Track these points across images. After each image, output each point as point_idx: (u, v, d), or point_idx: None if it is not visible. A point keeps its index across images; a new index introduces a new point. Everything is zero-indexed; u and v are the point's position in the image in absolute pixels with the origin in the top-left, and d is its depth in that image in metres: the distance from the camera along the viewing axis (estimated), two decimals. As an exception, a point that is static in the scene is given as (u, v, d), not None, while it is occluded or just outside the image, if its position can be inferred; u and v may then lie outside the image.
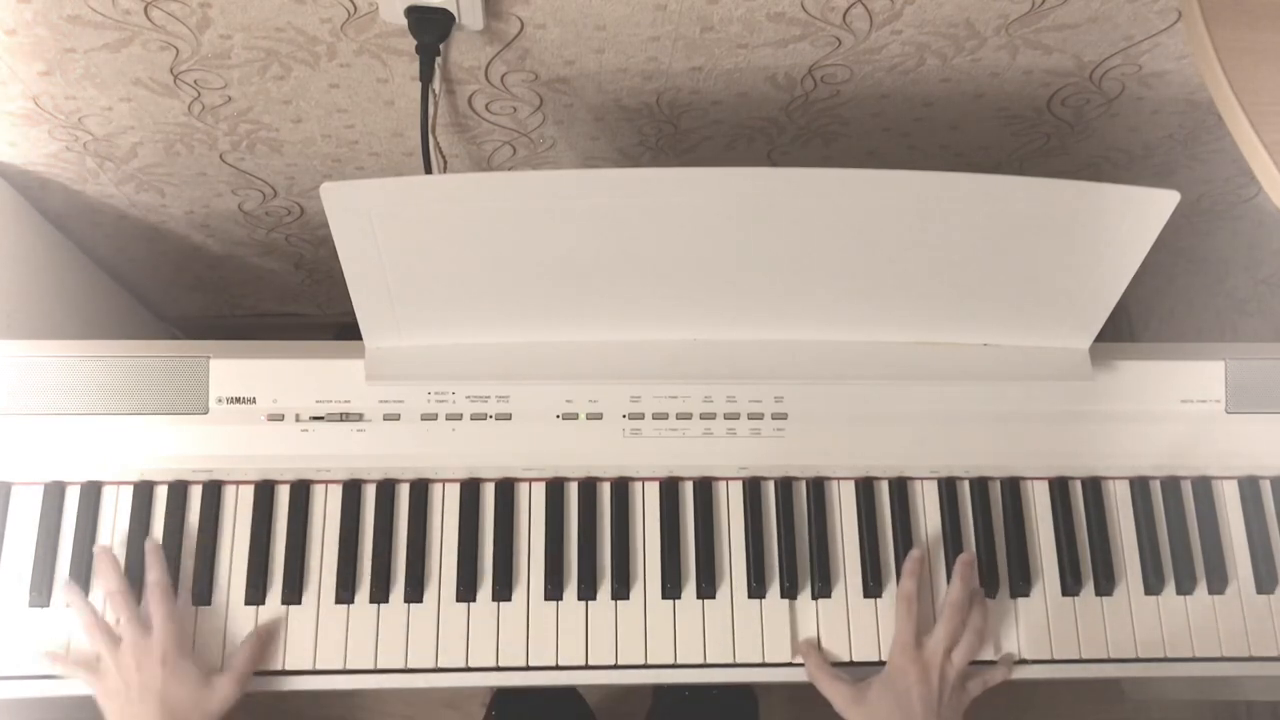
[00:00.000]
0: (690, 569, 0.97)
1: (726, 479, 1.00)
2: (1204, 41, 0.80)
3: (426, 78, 0.96)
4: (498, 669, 0.94)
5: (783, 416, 0.98)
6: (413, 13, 0.91)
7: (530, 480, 0.99)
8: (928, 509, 1.00)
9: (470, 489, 0.98)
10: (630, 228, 0.85)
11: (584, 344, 0.95)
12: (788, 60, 1.02)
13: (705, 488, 0.99)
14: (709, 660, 0.95)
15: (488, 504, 0.98)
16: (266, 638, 0.93)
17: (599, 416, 0.97)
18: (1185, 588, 0.99)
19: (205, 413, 0.95)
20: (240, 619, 0.94)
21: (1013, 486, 1.01)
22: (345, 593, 0.95)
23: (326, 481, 0.98)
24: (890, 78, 1.07)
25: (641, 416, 0.97)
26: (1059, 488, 1.01)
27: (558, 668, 0.94)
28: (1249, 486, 1.02)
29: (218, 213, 1.32)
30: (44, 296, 1.26)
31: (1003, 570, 0.98)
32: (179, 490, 0.96)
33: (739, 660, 0.95)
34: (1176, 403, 1.00)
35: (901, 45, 1.01)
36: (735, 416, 0.97)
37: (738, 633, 0.95)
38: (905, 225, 0.86)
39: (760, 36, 0.98)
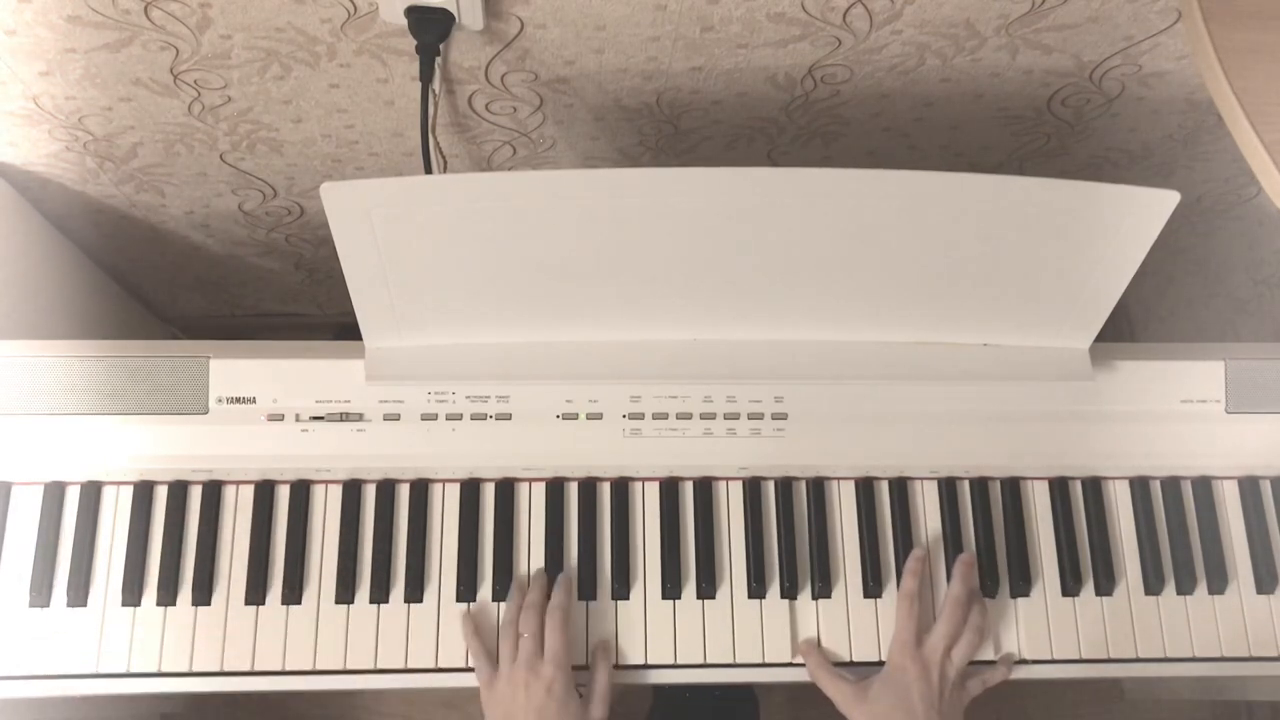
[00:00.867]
0: (690, 569, 0.97)
1: (726, 479, 1.00)
2: (1204, 41, 0.80)
3: (426, 78, 0.96)
4: (498, 669, 0.94)
5: (783, 416, 0.98)
6: (413, 13, 0.91)
7: (530, 480, 0.99)
8: (928, 509, 1.00)
9: (470, 489, 0.98)
10: (630, 228, 0.85)
11: (584, 344, 0.95)
12: (788, 60, 1.02)
13: (705, 488, 0.99)
14: (709, 660, 0.95)
15: (488, 504, 0.98)
16: (609, 652, 0.94)
17: (599, 416, 0.97)
18: (1185, 588, 0.99)
19: (205, 413, 0.95)
20: (240, 619, 0.94)
21: (1013, 486, 1.01)
22: (345, 593, 0.95)
23: (326, 481, 0.98)
24: (890, 78, 1.07)
25: (641, 416, 0.97)
26: (1059, 488, 1.01)
27: (558, 668, 0.94)
28: (1249, 486, 1.02)
29: (218, 213, 1.32)
30: (44, 296, 1.26)
31: (1003, 570, 0.98)
32: (179, 490, 0.96)
33: (739, 660, 0.95)
34: (1176, 403, 1.00)
35: (901, 45, 1.01)
36: (735, 416, 0.97)
37: (738, 633, 0.95)
38: (905, 225, 0.86)
39: (760, 36, 0.98)
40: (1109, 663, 0.97)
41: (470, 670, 0.93)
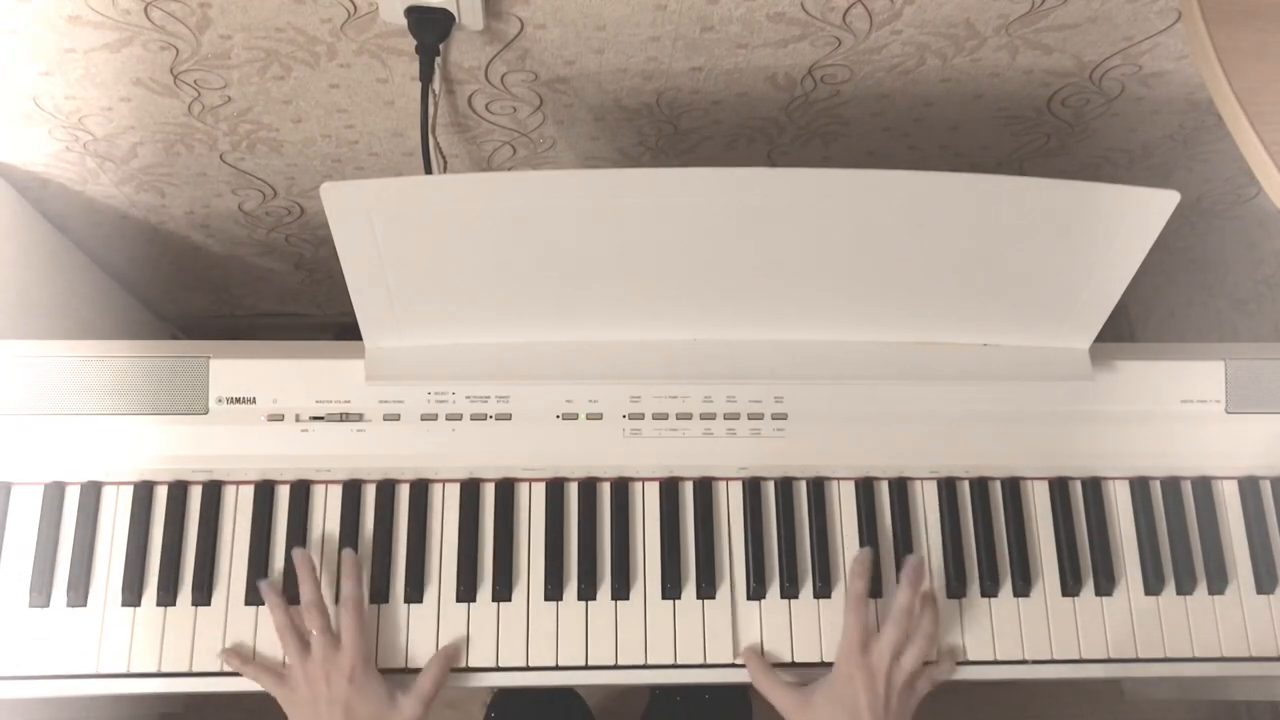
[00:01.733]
0: (690, 569, 0.97)
1: (726, 479, 1.00)
2: (1204, 41, 0.80)
3: (426, 78, 0.96)
4: (498, 669, 0.94)
5: (783, 416, 0.98)
6: (413, 13, 0.91)
7: (530, 480, 0.99)
8: (928, 509, 1.00)
9: (470, 489, 0.98)
10: (630, 228, 0.85)
11: (584, 344, 0.95)
12: (788, 60, 1.02)
13: (705, 488, 0.99)
14: (709, 660, 0.95)
15: (488, 504, 0.98)
16: (452, 657, 0.93)
17: (599, 416, 0.97)
18: (1185, 588, 0.99)
19: (205, 413, 0.95)
20: (240, 619, 0.94)
21: (1013, 486, 1.01)
22: (346, 592, 0.95)
23: (326, 481, 0.98)
24: (890, 78, 1.07)
25: (641, 416, 0.97)
26: (1059, 488, 1.01)
27: (558, 668, 0.94)
28: (1249, 486, 1.02)
29: (218, 213, 1.32)
30: (44, 296, 1.26)
31: (1003, 570, 0.98)
32: (179, 490, 0.96)
33: (739, 661, 0.95)
34: (1176, 403, 1.00)
35: (901, 45, 1.01)
36: (735, 416, 0.97)
37: (738, 633, 0.95)
38: (905, 225, 0.86)
39: (760, 36, 0.98)
40: (1109, 663, 0.97)
41: (472, 670, 0.93)
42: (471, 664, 0.94)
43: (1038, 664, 0.96)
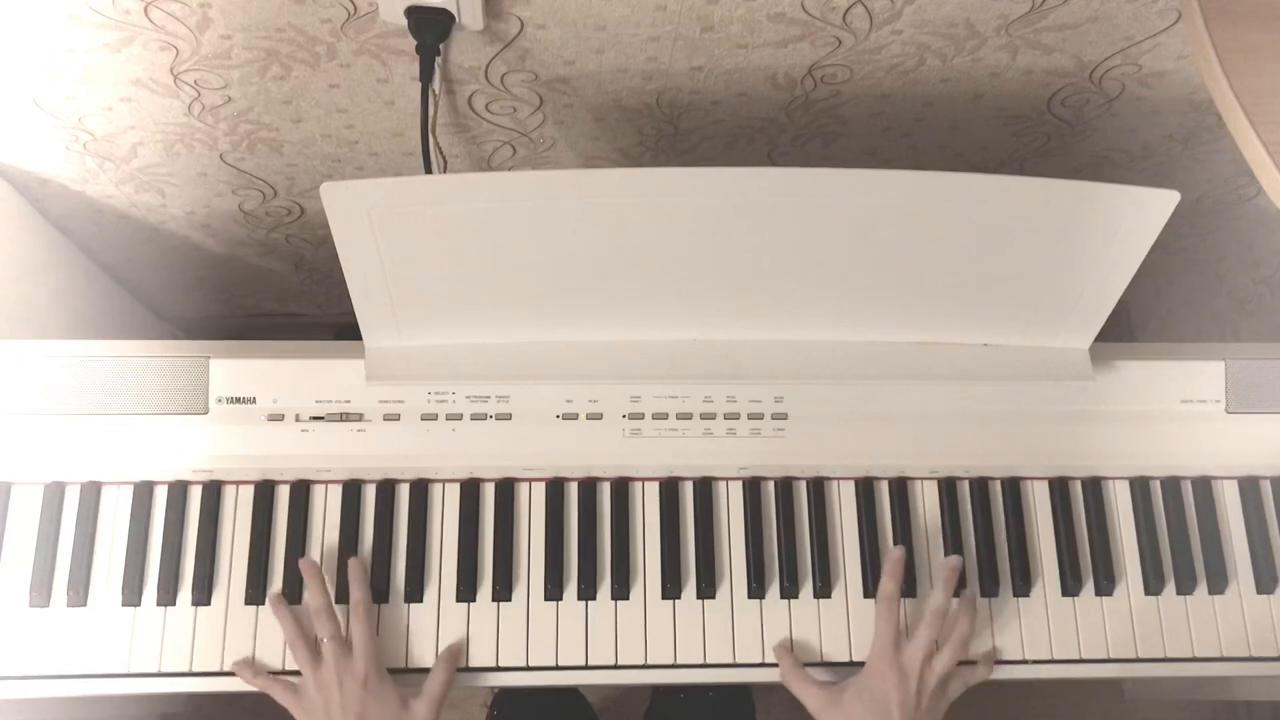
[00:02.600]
0: (690, 569, 0.97)
1: (726, 479, 1.00)
2: (1204, 41, 0.80)
3: (426, 78, 0.96)
4: (498, 669, 0.94)
5: (783, 416, 0.98)
6: (413, 13, 0.91)
7: (530, 480, 0.99)
8: (928, 509, 1.00)
9: (470, 489, 0.98)
10: (630, 228, 0.85)
11: (584, 344, 0.95)
12: (788, 60, 1.02)
13: (705, 488, 0.99)
14: (709, 660, 0.95)
15: (488, 504, 0.98)
16: (456, 657, 0.93)
17: (599, 416, 0.97)
18: (1185, 588, 0.99)
19: (205, 413, 0.95)
20: (240, 619, 0.94)
21: (1013, 486, 1.01)
22: (345, 593, 0.94)
23: (326, 481, 0.98)
24: (890, 78, 1.07)
25: (641, 416, 0.97)
26: (1059, 488, 1.01)
27: (557, 668, 0.94)
28: (1249, 486, 1.02)
29: (218, 213, 1.32)
30: (44, 296, 1.26)
31: (1003, 570, 0.98)
32: (179, 490, 0.96)
33: (739, 660, 0.95)
34: (1176, 403, 1.00)
35: (901, 45, 1.01)
36: (735, 416, 0.97)
37: (738, 633, 0.95)
38: (905, 225, 0.86)
39: (760, 36, 0.98)
40: (1109, 663, 0.97)
41: (472, 670, 0.93)
42: (472, 664, 0.94)
43: (1037, 664, 0.96)
